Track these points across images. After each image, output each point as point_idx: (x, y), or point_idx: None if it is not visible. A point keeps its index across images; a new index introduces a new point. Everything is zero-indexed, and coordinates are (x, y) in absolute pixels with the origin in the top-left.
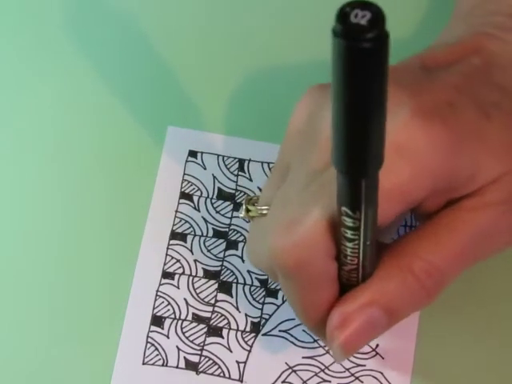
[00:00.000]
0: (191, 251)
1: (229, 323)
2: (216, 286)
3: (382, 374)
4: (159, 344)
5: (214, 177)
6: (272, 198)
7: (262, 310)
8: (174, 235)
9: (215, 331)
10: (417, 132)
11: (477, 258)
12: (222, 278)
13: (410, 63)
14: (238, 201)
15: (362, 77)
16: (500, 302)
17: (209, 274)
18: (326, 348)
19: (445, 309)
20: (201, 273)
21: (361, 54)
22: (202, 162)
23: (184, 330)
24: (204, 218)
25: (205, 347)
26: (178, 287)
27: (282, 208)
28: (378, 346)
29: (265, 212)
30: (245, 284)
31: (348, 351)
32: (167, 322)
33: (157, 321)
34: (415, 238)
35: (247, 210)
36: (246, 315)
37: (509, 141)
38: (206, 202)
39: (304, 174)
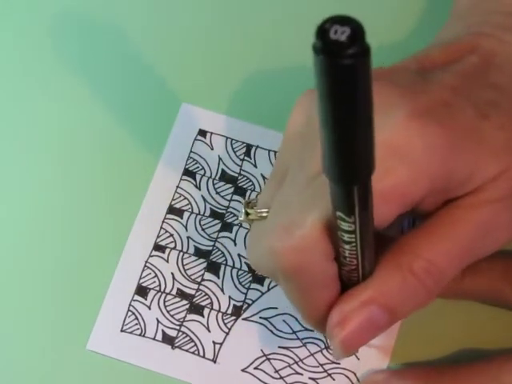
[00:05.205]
0: (186, 228)
1: (211, 303)
2: (205, 265)
3: (354, 374)
4: (140, 314)
5: (220, 158)
6: (270, 200)
7: (246, 294)
8: (172, 210)
9: (197, 309)
10: (413, 134)
11: (476, 255)
12: (211, 257)
13: (405, 64)
14: (239, 185)
15: (345, 91)
16: (482, 311)
17: (199, 253)
18: (304, 341)
19: (425, 321)
20: (192, 250)
21: (341, 70)
22: (210, 143)
23: (166, 304)
24: (203, 197)
25: (184, 323)
26: (168, 261)
27: (280, 211)
28: None
29: (264, 215)
30: (233, 267)
31: (348, 349)
32: (151, 294)
33: (141, 291)
34: (415, 237)
35: (246, 214)
36: (229, 298)
37: (506, 139)
38: (207, 182)
39: (303, 177)
